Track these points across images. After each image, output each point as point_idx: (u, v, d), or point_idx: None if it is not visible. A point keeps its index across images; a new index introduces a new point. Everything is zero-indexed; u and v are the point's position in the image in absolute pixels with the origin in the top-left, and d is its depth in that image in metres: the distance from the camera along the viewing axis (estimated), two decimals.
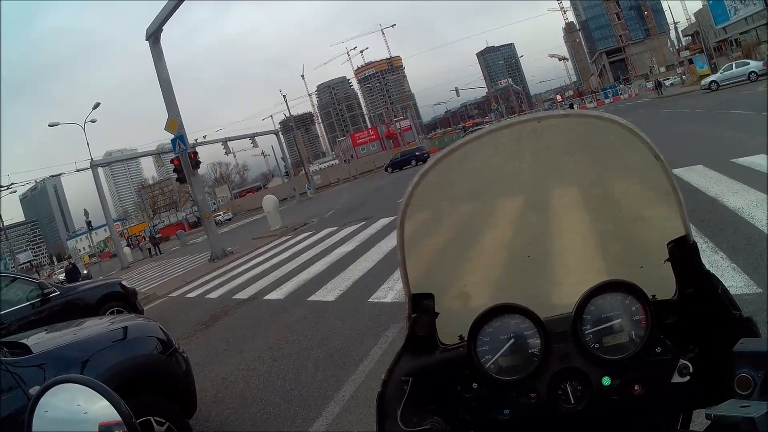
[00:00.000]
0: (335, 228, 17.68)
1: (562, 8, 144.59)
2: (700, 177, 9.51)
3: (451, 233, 1.40)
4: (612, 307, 1.20)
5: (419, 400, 1.21)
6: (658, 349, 1.17)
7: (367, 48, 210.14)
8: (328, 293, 8.85)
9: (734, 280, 4.85)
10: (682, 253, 1.23)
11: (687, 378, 1.15)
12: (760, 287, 4.57)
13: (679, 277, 1.25)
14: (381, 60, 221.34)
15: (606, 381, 1.16)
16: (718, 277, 1.22)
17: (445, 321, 1.33)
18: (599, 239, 1.38)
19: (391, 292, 7.58)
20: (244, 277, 13.79)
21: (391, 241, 11.60)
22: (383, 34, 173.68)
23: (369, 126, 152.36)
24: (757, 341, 0.98)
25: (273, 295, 10.28)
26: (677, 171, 10.24)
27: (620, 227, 1.34)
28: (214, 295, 12.76)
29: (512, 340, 1.21)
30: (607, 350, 1.17)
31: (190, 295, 14.05)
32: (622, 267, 1.29)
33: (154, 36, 20.15)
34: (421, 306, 1.31)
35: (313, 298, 8.93)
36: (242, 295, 11.43)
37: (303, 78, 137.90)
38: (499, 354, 1.21)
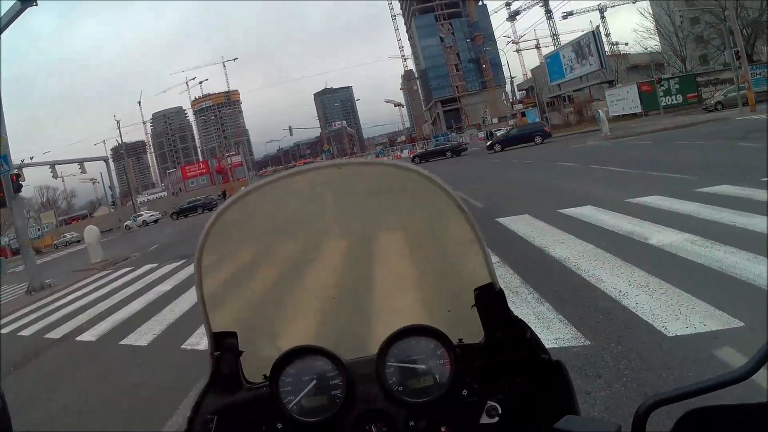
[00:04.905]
0: (156, 264, 17.31)
1: (403, 56, 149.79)
2: (526, 226, 9.95)
3: (252, 273, 1.45)
4: (416, 351, 1.23)
5: None
6: (465, 392, 1.21)
7: (206, 79, 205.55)
8: (142, 337, 8.62)
9: (561, 332, 4.91)
10: (489, 300, 1.28)
11: (496, 419, 1.19)
12: (588, 339, 4.68)
13: (486, 322, 1.29)
14: (219, 93, 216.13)
15: (412, 423, 1.19)
16: (527, 323, 1.30)
17: (252, 359, 1.35)
18: (407, 283, 1.45)
19: (206, 338, 7.09)
20: (60, 313, 13.03)
21: None
22: (224, 66, 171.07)
23: (201, 159, 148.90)
24: (580, 421, 0.97)
25: (86, 336, 9.84)
26: (504, 220, 10.95)
27: (428, 272, 1.41)
28: (27, 332, 11.91)
29: (314, 382, 1.22)
30: (411, 393, 1.20)
31: (3, 331, 12.75)
32: (430, 310, 1.36)
33: None
34: (224, 344, 1.32)
35: (125, 341, 8.64)
36: (55, 334, 10.77)
37: (139, 105, 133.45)
38: (301, 395, 1.22)
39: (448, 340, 1.22)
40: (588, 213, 10.08)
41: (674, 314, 4.84)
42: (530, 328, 1.28)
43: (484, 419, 1.19)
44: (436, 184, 1.23)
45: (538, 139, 43.05)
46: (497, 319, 1.28)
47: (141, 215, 58.81)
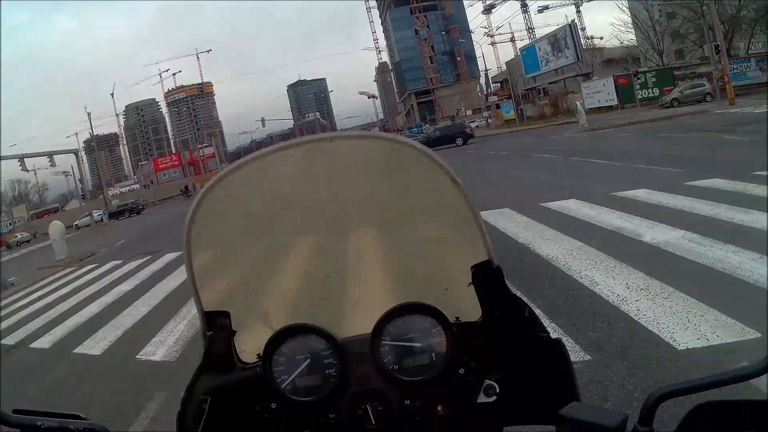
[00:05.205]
0: (120, 261, 16.86)
1: (377, 48, 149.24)
2: (508, 221, 9.45)
3: (243, 250, 1.38)
4: (411, 330, 1.21)
5: (220, 420, 1.21)
6: (462, 371, 1.20)
7: (180, 71, 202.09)
8: (96, 345, 8.08)
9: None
10: (486, 277, 1.24)
11: (494, 398, 1.18)
12: (588, 353, 4.23)
13: (484, 300, 1.26)
14: (192, 85, 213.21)
15: (408, 402, 1.18)
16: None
17: (245, 339, 1.31)
18: (403, 261, 1.39)
19: (162, 347, 6.90)
20: (18, 315, 12.55)
21: (174, 281, 11.14)
22: (198, 58, 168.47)
23: (174, 151, 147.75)
24: (586, 408, 0.89)
25: (39, 343, 9.28)
26: (483, 213, 9.89)
27: (424, 249, 1.35)
28: None
29: (308, 361, 1.20)
30: (406, 372, 1.19)
31: None
32: (426, 289, 1.30)
33: None
34: (216, 324, 1.27)
35: (79, 349, 8.08)
36: (10, 339, 10.16)
37: (112, 97, 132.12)
38: (295, 374, 1.20)
39: (444, 318, 1.21)
40: (572, 207, 9.74)
41: (682, 323, 4.39)
42: (528, 306, 1.23)
43: (482, 398, 1.19)
44: (430, 158, 1.17)
45: (459, 141, 43.72)
46: (495, 296, 1.25)
47: (89, 214, 57.91)
